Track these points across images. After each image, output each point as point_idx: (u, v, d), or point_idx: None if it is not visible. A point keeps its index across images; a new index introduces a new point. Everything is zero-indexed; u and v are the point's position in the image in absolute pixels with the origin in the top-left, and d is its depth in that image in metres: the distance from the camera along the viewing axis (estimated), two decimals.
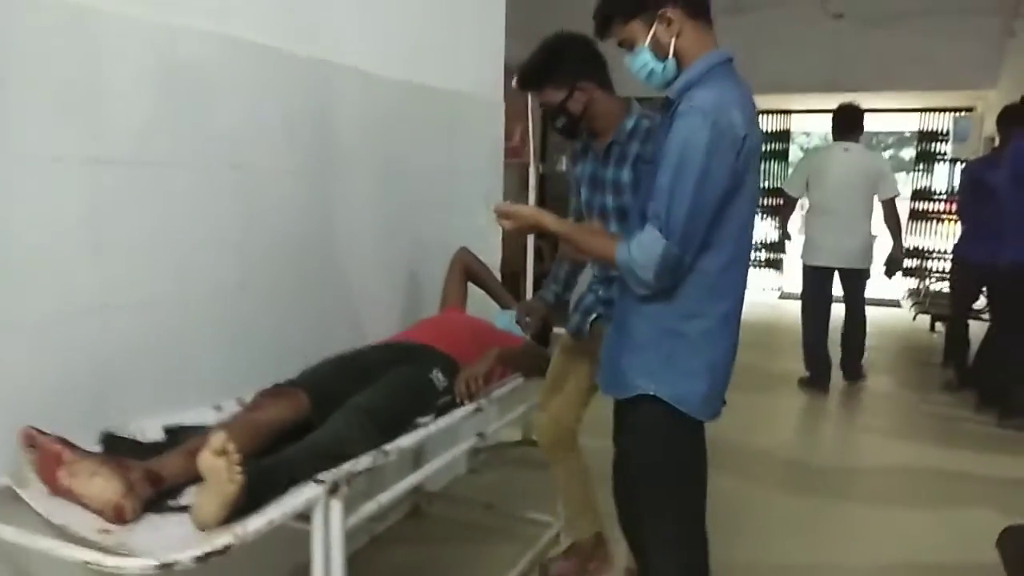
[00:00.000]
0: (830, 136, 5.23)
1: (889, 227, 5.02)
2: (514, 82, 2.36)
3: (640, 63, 1.72)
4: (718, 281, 1.68)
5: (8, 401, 1.65)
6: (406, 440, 1.90)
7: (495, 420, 2.50)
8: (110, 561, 1.31)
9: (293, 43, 2.34)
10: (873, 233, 5.05)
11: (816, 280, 5.08)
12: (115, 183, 1.82)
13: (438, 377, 2.17)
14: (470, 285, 2.87)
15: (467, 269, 2.85)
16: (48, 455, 1.56)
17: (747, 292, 1.79)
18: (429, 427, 2.01)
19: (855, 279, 5.07)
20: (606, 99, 2.25)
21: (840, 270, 5.03)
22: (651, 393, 1.73)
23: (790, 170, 9.22)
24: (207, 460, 1.43)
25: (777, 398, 5.17)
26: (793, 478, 3.80)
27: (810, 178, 5.05)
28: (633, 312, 1.75)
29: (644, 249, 1.60)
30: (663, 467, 1.80)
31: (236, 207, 2.18)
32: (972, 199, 4.96)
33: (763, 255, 9.89)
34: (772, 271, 9.91)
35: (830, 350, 5.23)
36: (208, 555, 1.33)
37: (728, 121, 1.58)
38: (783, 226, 5.47)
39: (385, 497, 1.81)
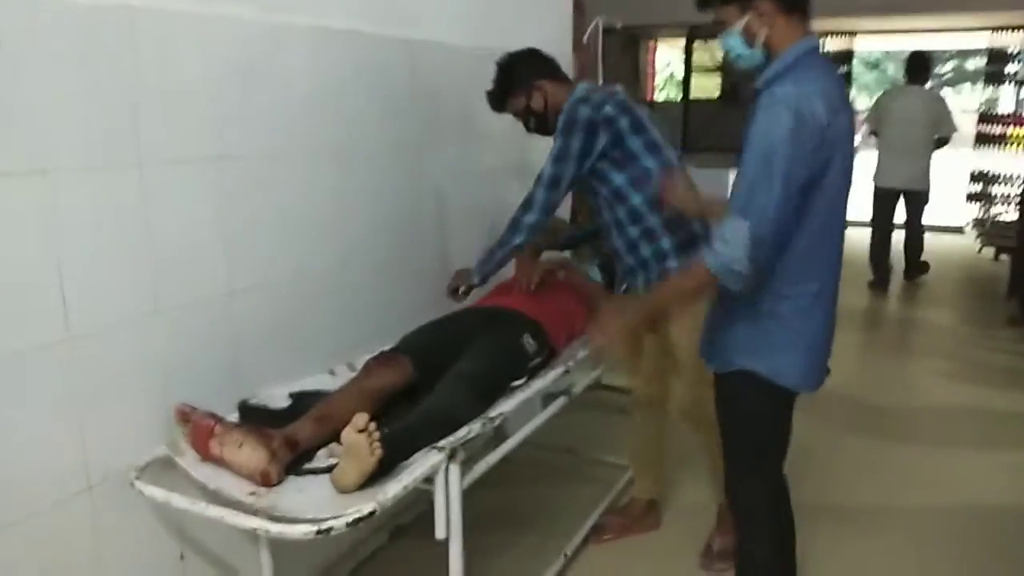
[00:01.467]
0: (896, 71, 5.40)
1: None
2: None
3: (731, 46, 1.79)
4: (807, 262, 1.78)
5: (158, 378, 1.85)
6: (507, 405, 2.07)
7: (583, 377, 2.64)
8: (275, 528, 1.52)
9: (381, 27, 2.44)
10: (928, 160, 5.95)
11: (883, 200, 6.10)
12: (237, 177, 1.98)
13: (528, 342, 2.32)
14: None
15: None
16: (200, 428, 1.76)
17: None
18: (526, 391, 2.18)
19: (917, 199, 6.04)
20: (561, 89, 2.47)
21: (904, 192, 6.00)
22: (748, 369, 1.85)
23: (853, 91, 9.24)
24: (351, 436, 1.62)
25: (837, 334, 5.23)
26: (856, 418, 3.89)
27: (881, 114, 6.00)
28: (730, 294, 1.84)
29: (729, 242, 1.67)
30: (763, 435, 1.96)
31: (338, 189, 2.33)
32: None
33: None
34: None
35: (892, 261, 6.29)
36: (358, 520, 1.52)
37: (810, 110, 1.64)
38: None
39: (493, 457, 2.00)
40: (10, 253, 1.50)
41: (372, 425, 1.63)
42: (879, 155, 6.03)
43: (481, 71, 2.68)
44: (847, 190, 1.81)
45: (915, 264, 6.40)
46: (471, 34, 2.89)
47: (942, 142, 5.90)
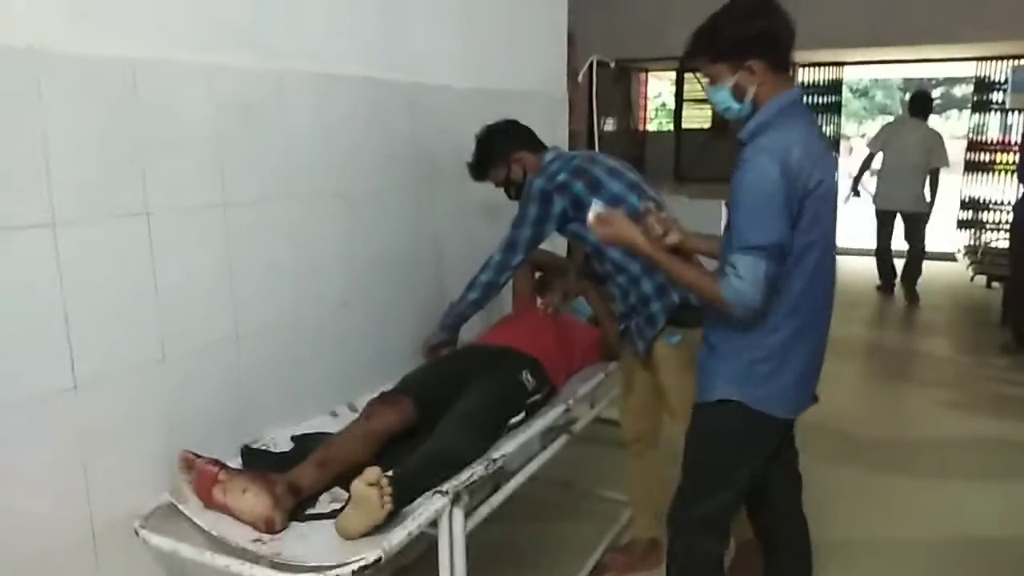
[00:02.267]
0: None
1: (931, 186, 6.57)
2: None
3: (720, 99, 1.86)
4: (801, 300, 1.83)
5: (162, 425, 1.85)
6: (509, 446, 2.09)
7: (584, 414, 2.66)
8: None
9: (383, 72, 2.50)
10: (927, 191, 6.61)
11: (884, 219, 6.85)
12: (241, 223, 2.00)
13: (527, 379, 2.34)
14: None
15: (532, 262, 2.99)
16: (204, 475, 1.77)
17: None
18: (527, 431, 2.19)
19: (913, 220, 6.68)
20: (535, 157, 2.60)
21: (902, 213, 6.68)
22: (734, 399, 1.90)
23: (842, 120, 9.69)
24: (361, 489, 1.64)
25: (831, 364, 5.17)
26: (851, 449, 3.88)
27: (884, 142, 6.71)
28: (718, 330, 1.92)
29: (745, 278, 1.72)
30: (729, 459, 1.99)
31: (340, 231, 2.36)
32: None
33: None
34: None
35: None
36: (363, 568, 1.53)
37: (793, 159, 1.71)
38: (859, 175, 6.91)
39: (496, 499, 2.01)
40: (18, 305, 1.52)
41: (384, 479, 1.65)
42: (878, 180, 6.79)
43: (479, 111, 2.74)
44: (835, 231, 1.89)
45: (913, 287, 6.87)
46: (470, 76, 2.95)
47: (935, 173, 6.50)
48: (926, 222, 6.70)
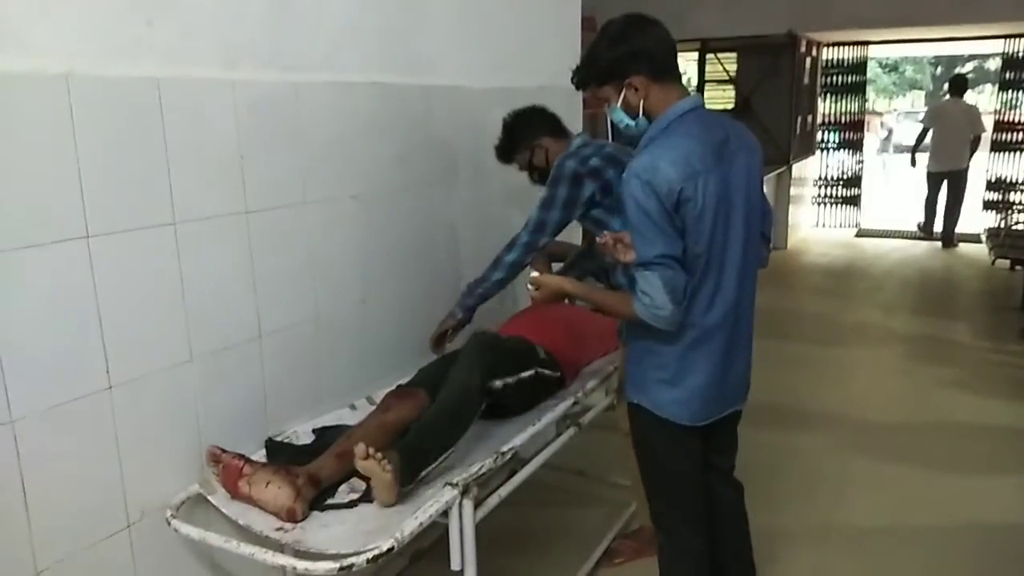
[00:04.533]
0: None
1: (973, 147, 8.46)
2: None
3: (618, 119, 1.94)
4: (687, 314, 1.88)
5: (191, 421, 1.98)
6: (519, 439, 2.18)
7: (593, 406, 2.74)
8: (301, 564, 1.64)
9: (398, 77, 2.58)
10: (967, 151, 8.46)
11: (935, 178, 8.64)
12: (263, 228, 2.11)
13: (541, 351, 2.47)
14: None
15: (547, 252, 3.06)
16: (231, 468, 1.89)
17: (734, 299, 1.93)
18: (536, 424, 2.29)
19: (957, 176, 8.44)
20: (557, 144, 2.68)
21: (948, 173, 8.43)
22: (637, 402, 2.03)
23: (871, 95, 10.50)
24: (360, 465, 1.82)
25: (849, 351, 5.27)
26: (866, 437, 3.93)
27: (933, 119, 8.60)
28: (631, 337, 2.03)
29: (649, 289, 1.80)
30: (653, 462, 2.11)
31: (356, 231, 2.45)
32: None
33: (840, 191, 9.81)
34: (850, 207, 9.82)
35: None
36: (377, 556, 1.64)
37: (660, 179, 1.77)
38: (916, 147, 8.89)
39: (505, 490, 2.12)
40: (57, 313, 1.64)
41: (372, 449, 1.81)
42: (932, 149, 8.51)
43: (492, 110, 2.81)
44: (734, 234, 1.89)
45: (951, 235, 8.67)
46: (483, 76, 3.02)
47: (978, 138, 8.31)
48: (967, 178, 8.43)
